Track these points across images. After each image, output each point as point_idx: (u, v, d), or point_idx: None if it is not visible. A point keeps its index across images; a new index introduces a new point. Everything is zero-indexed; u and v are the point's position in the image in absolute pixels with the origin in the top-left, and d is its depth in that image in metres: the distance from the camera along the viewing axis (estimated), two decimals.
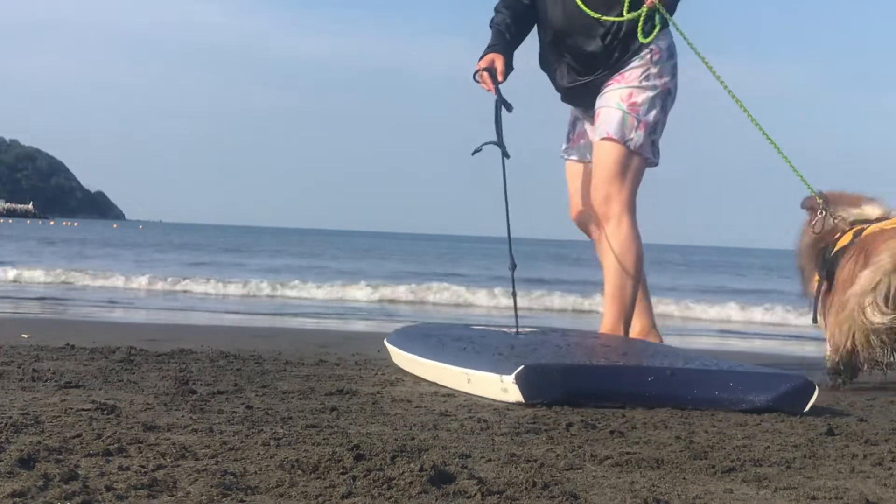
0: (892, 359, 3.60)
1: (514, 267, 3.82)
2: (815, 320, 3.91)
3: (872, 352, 3.53)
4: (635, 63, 4.04)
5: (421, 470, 1.79)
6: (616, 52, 4.05)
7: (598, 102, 4.12)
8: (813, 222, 3.97)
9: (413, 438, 2.22)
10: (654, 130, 4.08)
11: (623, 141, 4.02)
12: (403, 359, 3.64)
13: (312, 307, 10.00)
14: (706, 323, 9.83)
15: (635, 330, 4.22)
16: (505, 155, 3.98)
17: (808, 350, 4.04)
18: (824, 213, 3.94)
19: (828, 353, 3.74)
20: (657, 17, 4.00)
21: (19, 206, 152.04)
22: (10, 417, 2.25)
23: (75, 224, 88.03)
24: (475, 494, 1.68)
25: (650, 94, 4.03)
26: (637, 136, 4.02)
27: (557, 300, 11.30)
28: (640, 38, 4.00)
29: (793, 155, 4.02)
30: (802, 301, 4.15)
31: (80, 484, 1.63)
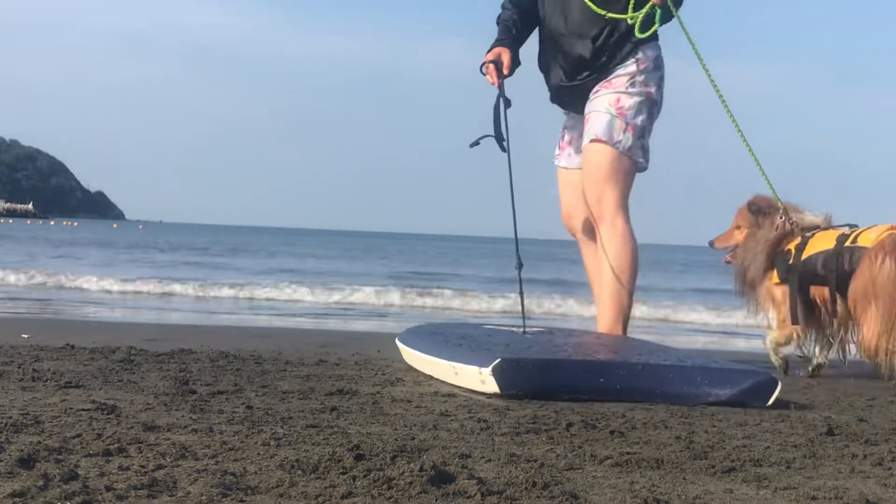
0: None
1: (520, 266, 3.86)
2: (794, 319, 4.02)
3: None
4: (621, 71, 4.11)
5: (421, 470, 1.79)
6: (604, 55, 4.11)
7: (588, 108, 4.18)
8: (776, 226, 4.09)
9: (413, 438, 2.22)
10: (643, 135, 4.13)
11: (612, 143, 4.08)
12: (408, 355, 3.74)
13: (312, 309, 9.99)
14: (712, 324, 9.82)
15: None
16: (502, 148, 4.03)
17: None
18: (783, 217, 4.10)
19: (773, 345, 4.11)
20: (657, 16, 4.01)
21: (19, 206, 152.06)
22: (10, 417, 2.25)
23: (75, 224, 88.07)
24: (475, 494, 1.68)
25: (637, 99, 4.09)
26: (626, 139, 4.08)
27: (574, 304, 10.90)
28: (637, 33, 4.02)
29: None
30: (737, 299, 4.35)
31: (80, 484, 1.63)
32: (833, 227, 4.05)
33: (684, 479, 1.92)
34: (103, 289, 11.29)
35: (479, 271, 22.49)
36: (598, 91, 4.13)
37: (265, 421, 2.37)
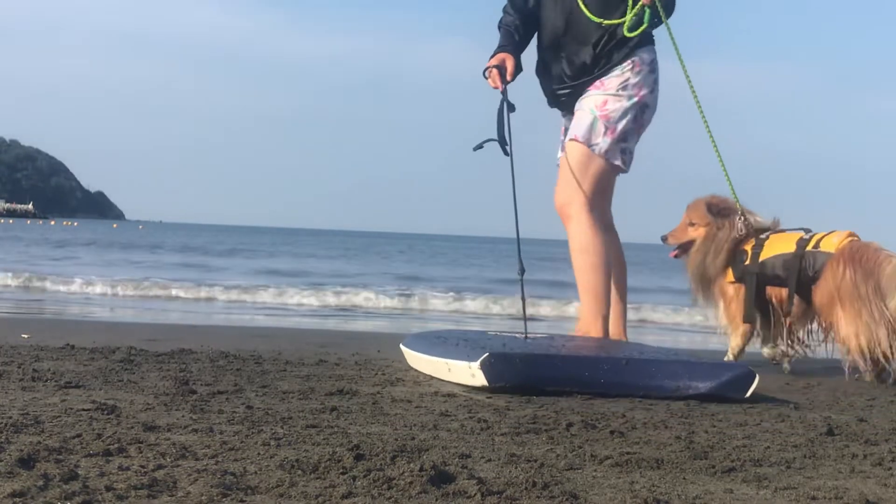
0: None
1: (522, 272, 3.89)
2: (748, 318, 4.14)
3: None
4: (616, 72, 4.17)
5: (421, 470, 1.79)
6: (603, 59, 4.18)
7: (577, 105, 4.26)
8: (736, 227, 4.20)
9: (413, 438, 2.22)
10: (625, 139, 4.20)
11: (588, 144, 4.16)
12: (410, 357, 3.81)
13: (312, 309, 9.99)
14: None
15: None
16: (504, 152, 4.07)
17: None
18: (741, 219, 4.21)
19: (737, 351, 4.19)
20: (646, 17, 4.07)
21: (19, 207, 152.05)
22: (10, 417, 2.25)
23: (75, 224, 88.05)
24: (475, 494, 1.68)
25: (625, 103, 4.16)
26: (603, 142, 4.15)
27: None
28: (626, 32, 4.09)
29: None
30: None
31: (80, 484, 1.63)
32: (783, 230, 4.22)
33: (684, 479, 1.92)
34: (103, 292, 11.23)
35: (478, 271, 22.49)
36: (590, 90, 4.21)
37: (265, 421, 2.37)
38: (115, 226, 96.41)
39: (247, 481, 1.72)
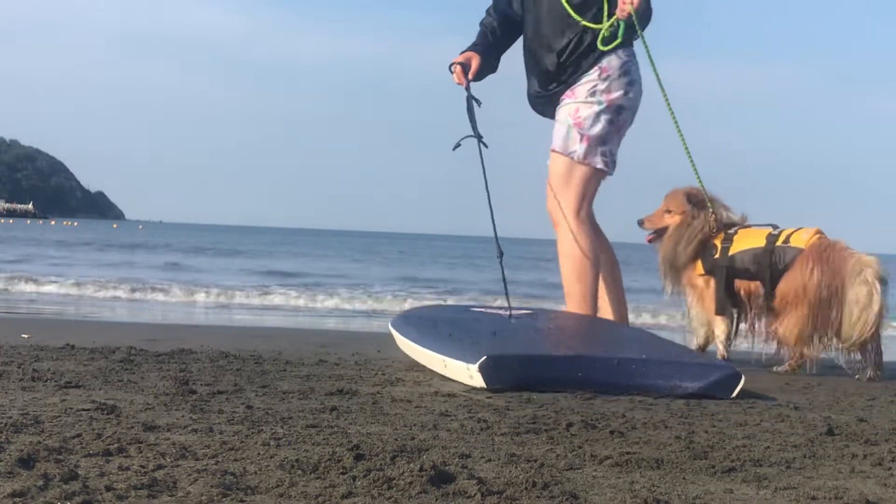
0: None
1: (501, 254, 4.10)
2: (720, 310, 4.25)
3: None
4: (584, 80, 4.27)
5: (421, 470, 1.79)
6: (570, 67, 4.28)
7: (556, 115, 4.37)
8: (712, 220, 4.30)
9: (413, 438, 2.22)
10: (603, 142, 4.28)
11: (566, 153, 4.29)
12: (401, 342, 3.92)
13: (312, 310, 9.99)
14: None
15: None
16: (484, 145, 4.21)
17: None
18: (714, 212, 4.32)
19: (722, 349, 4.27)
20: (620, 31, 4.15)
21: (19, 207, 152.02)
22: (10, 417, 2.25)
23: (75, 224, 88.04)
24: (475, 494, 1.68)
25: (595, 108, 4.25)
26: (580, 149, 4.27)
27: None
28: (600, 46, 4.19)
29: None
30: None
31: (80, 484, 1.63)
32: (751, 226, 4.33)
33: (684, 479, 1.92)
34: (110, 296, 11.18)
35: (478, 271, 22.49)
36: (563, 100, 4.33)
37: (265, 421, 2.37)
38: (115, 226, 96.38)
39: (247, 481, 1.72)
